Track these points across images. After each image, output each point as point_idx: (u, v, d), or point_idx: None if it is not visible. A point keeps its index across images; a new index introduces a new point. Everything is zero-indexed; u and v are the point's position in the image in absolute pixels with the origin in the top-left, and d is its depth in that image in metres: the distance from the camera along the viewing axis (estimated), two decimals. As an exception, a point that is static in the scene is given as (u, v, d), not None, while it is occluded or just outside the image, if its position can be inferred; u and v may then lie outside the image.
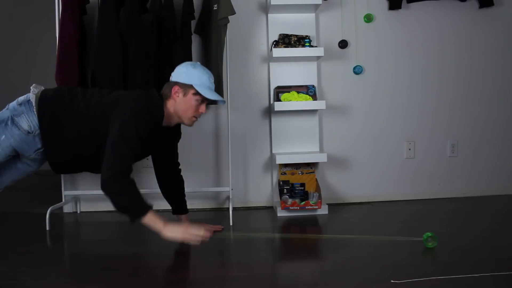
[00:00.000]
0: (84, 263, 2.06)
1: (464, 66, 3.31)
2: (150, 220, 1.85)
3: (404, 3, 3.23)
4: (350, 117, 3.23)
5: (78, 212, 3.03)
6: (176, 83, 2.07)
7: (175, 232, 1.85)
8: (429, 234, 2.07)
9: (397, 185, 3.27)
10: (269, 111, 3.14)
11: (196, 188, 2.93)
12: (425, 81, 3.28)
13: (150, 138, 2.03)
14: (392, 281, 1.67)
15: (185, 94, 2.05)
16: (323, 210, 2.90)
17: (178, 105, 2.07)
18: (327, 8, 3.17)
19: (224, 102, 2.20)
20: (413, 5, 3.25)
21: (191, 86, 2.04)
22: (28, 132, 2.01)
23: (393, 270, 1.79)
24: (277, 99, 3.01)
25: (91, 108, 2.02)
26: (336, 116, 3.21)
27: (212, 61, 2.81)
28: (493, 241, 2.22)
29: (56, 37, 2.70)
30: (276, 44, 3.01)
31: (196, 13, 2.95)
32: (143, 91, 2.15)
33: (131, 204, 1.85)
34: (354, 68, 3.21)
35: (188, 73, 2.06)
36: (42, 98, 2.04)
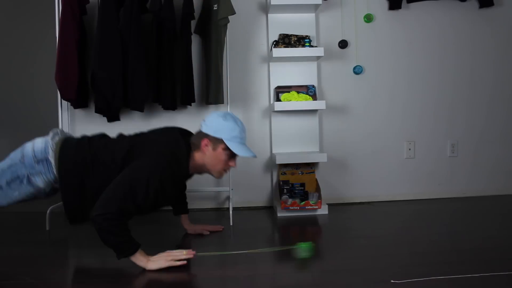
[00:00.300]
0: (84, 263, 2.06)
1: (464, 66, 3.31)
2: (135, 258, 1.83)
3: (404, 3, 3.23)
4: (350, 117, 3.23)
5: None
6: (206, 136, 1.96)
7: (158, 263, 1.83)
8: (303, 245, 1.96)
9: (397, 185, 3.27)
10: (269, 111, 3.14)
11: (196, 188, 2.93)
12: (425, 81, 3.28)
13: (171, 191, 1.96)
14: (392, 281, 1.67)
15: (214, 149, 1.96)
16: (323, 210, 2.90)
17: (207, 158, 1.98)
18: (327, 8, 3.17)
19: (255, 156, 2.05)
20: (413, 5, 3.25)
21: (221, 141, 1.94)
22: (44, 189, 1.96)
23: (393, 270, 1.79)
24: (277, 99, 3.01)
25: (117, 162, 1.92)
26: (336, 116, 3.21)
27: (212, 61, 2.81)
28: (493, 241, 2.22)
29: (56, 37, 2.70)
30: (276, 44, 3.01)
31: (196, 13, 2.95)
32: (171, 140, 1.98)
33: (120, 244, 1.80)
34: (354, 68, 3.21)
35: (218, 125, 1.95)
36: (63, 159, 1.93)
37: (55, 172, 1.93)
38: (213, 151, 1.96)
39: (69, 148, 1.96)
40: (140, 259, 1.83)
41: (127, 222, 1.82)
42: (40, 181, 1.93)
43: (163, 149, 1.92)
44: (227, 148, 1.95)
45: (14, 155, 1.97)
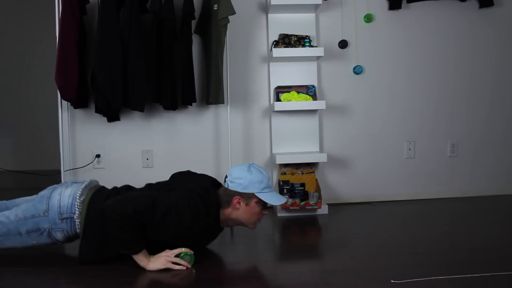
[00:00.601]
0: (84, 263, 2.06)
1: (464, 66, 3.31)
2: (137, 257, 1.83)
3: (404, 3, 3.23)
4: (350, 117, 3.23)
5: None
6: (237, 194, 1.93)
7: (157, 263, 1.83)
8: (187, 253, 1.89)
9: (397, 185, 3.27)
10: (269, 111, 3.14)
11: (196, 188, 2.92)
12: (425, 81, 3.28)
13: (196, 236, 1.94)
14: (392, 281, 1.67)
15: (247, 204, 1.94)
16: (323, 210, 2.90)
17: (241, 213, 1.96)
18: (327, 8, 3.17)
19: (286, 200, 2.06)
20: (413, 5, 3.25)
21: (253, 195, 1.93)
22: (62, 241, 1.97)
23: (393, 270, 1.79)
24: (277, 99, 3.01)
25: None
26: (336, 116, 3.21)
27: (212, 61, 2.81)
28: (493, 241, 2.22)
29: (56, 37, 2.70)
30: (276, 44, 3.01)
31: (196, 13, 2.95)
32: (203, 188, 1.95)
33: (126, 242, 1.80)
34: (354, 68, 3.21)
35: (246, 181, 1.92)
36: (89, 222, 1.90)
37: (78, 231, 1.93)
38: (246, 206, 1.95)
39: (96, 209, 1.90)
40: (141, 259, 1.84)
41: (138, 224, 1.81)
42: (60, 236, 1.94)
43: (196, 192, 1.90)
44: (260, 201, 1.95)
45: (39, 204, 1.93)
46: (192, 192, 1.89)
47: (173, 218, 1.80)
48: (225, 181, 1.99)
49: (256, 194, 1.93)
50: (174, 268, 1.84)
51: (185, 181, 2.04)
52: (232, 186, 1.94)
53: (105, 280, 1.78)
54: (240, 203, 1.94)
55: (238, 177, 1.94)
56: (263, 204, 1.97)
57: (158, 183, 2.07)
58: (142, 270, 1.83)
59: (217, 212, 1.95)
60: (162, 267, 1.83)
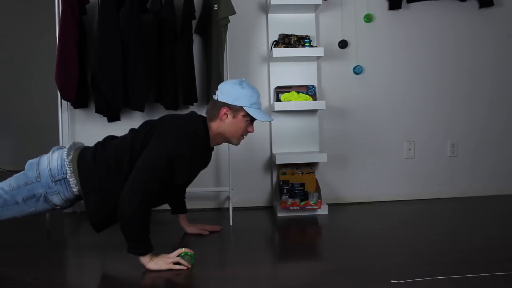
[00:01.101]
0: (84, 263, 2.06)
1: (464, 66, 3.31)
2: (143, 258, 1.83)
3: (404, 3, 3.23)
4: (350, 117, 3.23)
5: (78, 212, 3.02)
6: (225, 105, 1.98)
7: (158, 264, 1.84)
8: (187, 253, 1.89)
9: (397, 185, 3.27)
10: (269, 111, 3.14)
11: (196, 188, 2.92)
12: (425, 81, 3.28)
13: (196, 163, 2.01)
14: (392, 281, 1.67)
15: (234, 116, 1.99)
16: (323, 210, 2.90)
17: (227, 126, 2.00)
18: (327, 8, 3.17)
19: (273, 120, 2.16)
20: (413, 5, 3.25)
21: (241, 108, 1.97)
22: (61, 205, 1.97)
23: (393, 270, 1.79)
24: (277, 99, 3.01)
25: (139, 150, 1.91)
26: (336, 116, 3.21)
27: (213, 61, 2.81)
28: (493, 241, 2.22)
29: (56, 37, 2.70)
30: (276, 44, 3.01)
31: (197, 13, 2.95)
32: (186, 118, 2.03)
33: (135, 242, 1.81)
34: (354, 68, 3.21)
35: (237, 93, 1.97)
36: (84, 176, 1.92)
37: (74, 191, 1.93)
38: (233, 118, 1.99)
39: (88, 163, 1.93)
40: (145, 258, 1.84)
41: (150, 217, 1.82)
42: (57, 200, 1.94)
43: (181, 125, 1.94)
44: (247, 115, 1.99)
45: (30, 172, 1.95)
46: (179, 131, 1.91)
47: (177, 164, 1.84)
48: (215, 94, 2.04)
49: (244, 107, 1.97)
50: (175, 268, 1.84)
51: (169, 117, 2.05)
52: (221, 98, 1.99)
53: (106, 279, 1.78)
54: (227, 115, 1.98)
55: (229, 90, 1.99)
56: (249, 120, 2.01)
57: (141, 127, 2.04)
58: (143, 270, 1.83)
59: (206, 130, 2.00)
60: (164, 267, 1.83)
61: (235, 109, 1.98)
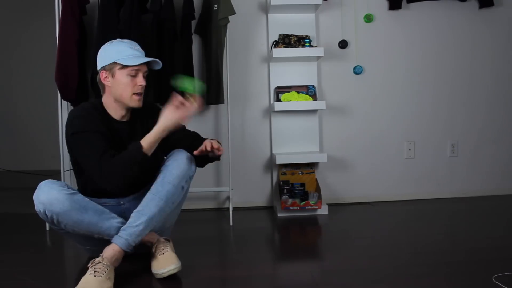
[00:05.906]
0: (84, 263, 2.06)
1: (464, 66, 3.31)
2: (148, 141, 1.77)
3: (404, 3, 3.23)
4: (350, 117, 3.23)
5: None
6: (101, 68, 1.88)
7: (169, 117, 1.78)
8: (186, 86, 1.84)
9: (397, 185, 3.27)
10: (269, 111, 3.14)
11: (196, 188, 2.93)
12: (425, 81, 3.28)
13: (112, 132, 1.89)
14: (392, 281, 1.67)
15: (113, 75, 1.86)
16: (323, 210, 2.90)
17: (113, 89, 1.87)
18: (327, 8, 3.17)
19: (160, 64, 1.93)
20: (413, 5, 3.25)
21: (114, 64, 1.84)
22: None
23: (393, 270, 1.79)
24: (277, 99, 3.01)
25: None
26: (336, 116, 3.21)
27: (213, 61, 2.81)
28: (493, 241, 2.22)
29: (56, 37, 2.70)
30: (276, 44, 3.01)
31: (196, 13, 2.95)
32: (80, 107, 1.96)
33: (130, 159, 1.75)
34: (354, 68, 3.21)
35: (106, 52, 1.88)
36: None
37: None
38: (113, 78, 1.86)
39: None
40: (152, 133, 1.78)
41: (114, 154, 1.77)
42: None
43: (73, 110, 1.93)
44: (122, 67, 1.84)
45: None
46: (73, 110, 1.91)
47: (83, 121, 1.81)
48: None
49: (116, 61, 1.85)
50: (187, 108, 1.78)
51: None
52: (97, 66, 1.91)
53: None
54: (107, 78, 1.87)
55: (99, 54, 1.90)
56: (128, 73, 1.85)
57: None
58: (144, 270, 1.83)
59: (100, 102, 1.93)
60: (177, 116, 1.77)
61: (110, 68, 1.85)
